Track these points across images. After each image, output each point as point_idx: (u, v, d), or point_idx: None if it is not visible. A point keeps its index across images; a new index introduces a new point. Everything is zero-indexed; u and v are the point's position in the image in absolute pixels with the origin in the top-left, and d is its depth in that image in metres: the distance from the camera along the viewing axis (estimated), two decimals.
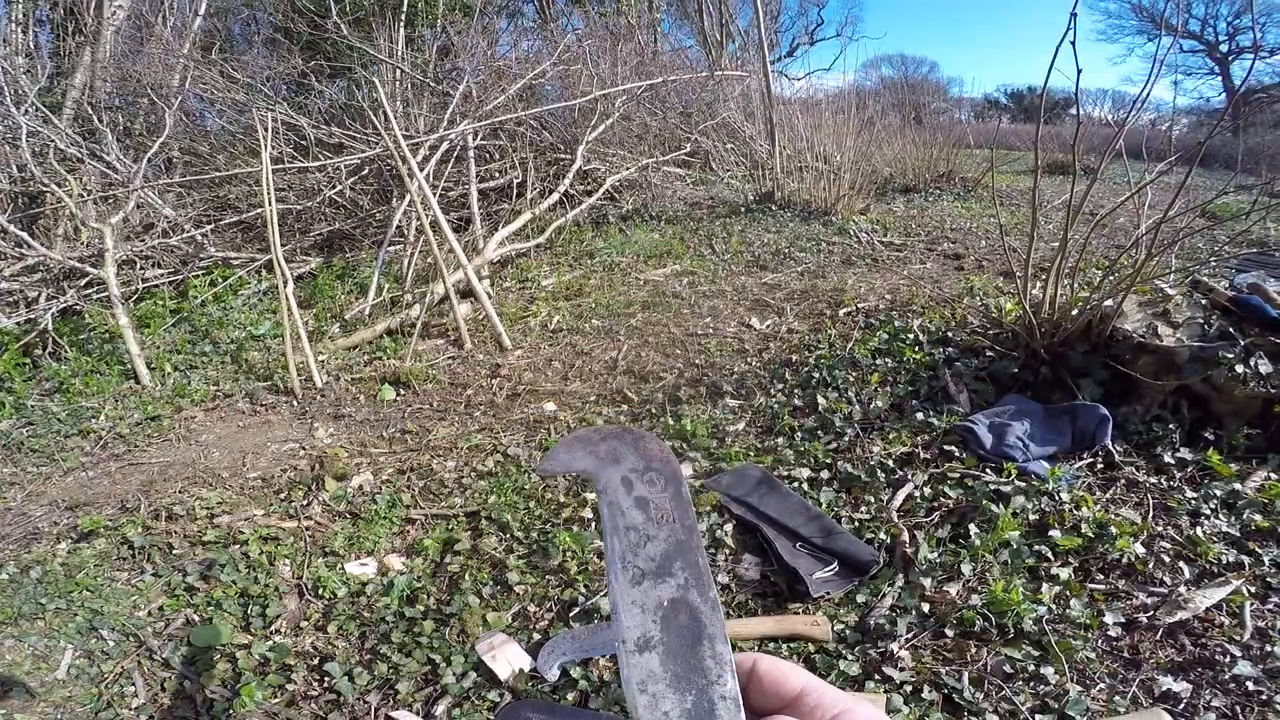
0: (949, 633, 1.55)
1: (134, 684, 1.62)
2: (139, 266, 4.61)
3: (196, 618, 1.79)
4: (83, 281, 4.21)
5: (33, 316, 3.87)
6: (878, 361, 2.76)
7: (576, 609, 1.71)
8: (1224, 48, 19.98)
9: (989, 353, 2.71)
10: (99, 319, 3.83)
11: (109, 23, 6.75)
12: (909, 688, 1.42)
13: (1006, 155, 9.18)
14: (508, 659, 1.57)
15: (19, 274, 4.25)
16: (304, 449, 2.61)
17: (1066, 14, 2.18)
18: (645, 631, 0.33)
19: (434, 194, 4.02)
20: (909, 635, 1.55)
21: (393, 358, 3.35)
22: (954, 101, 16.92)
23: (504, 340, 3.40)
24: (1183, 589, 1.62)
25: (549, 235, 4.90)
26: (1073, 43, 2.12)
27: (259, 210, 4.94)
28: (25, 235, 4.23)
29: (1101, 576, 1.69)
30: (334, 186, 5.24)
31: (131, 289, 4.28)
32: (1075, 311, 2.48)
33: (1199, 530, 1.80)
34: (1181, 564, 1.70)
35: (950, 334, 2.89)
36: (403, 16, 7.84)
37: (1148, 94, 2.52)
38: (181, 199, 5.45)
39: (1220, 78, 20.13)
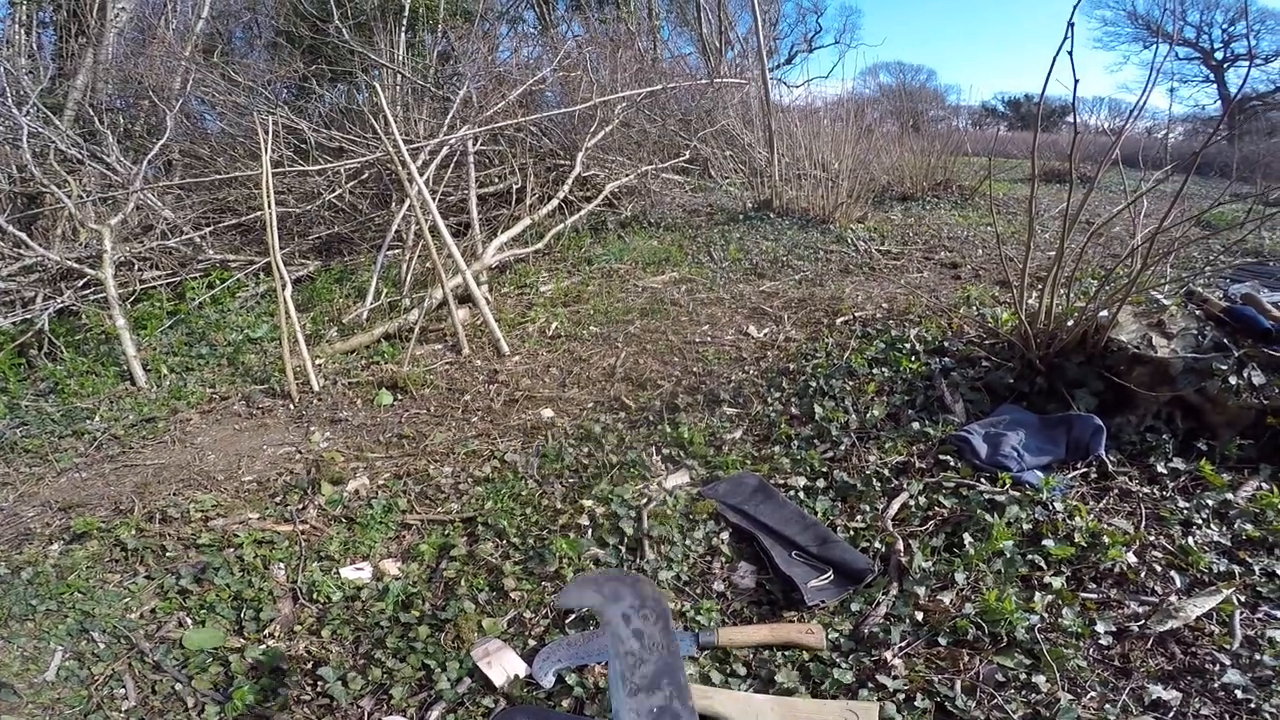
0: (942, 641, 1.55)
1: (124, 686, 1.61)
2: (137, 268, 4.61)
3: (189, 621, 1.79)
4: (80, 282, 4.21)
5: (29, 316, 3.86)
6: (874, 371, 2.77)
7: (572, 616, 1.71)
8: (1219, 55, 20.13)
9: (985, 363, 2.72)
10: (96, 320, 3.82)
11: (111, 25, 6.78)
12: (902, 696, 1.42)
13: (1003, 163, 9.22)
14: (503, 665, 1.56)
15: (16, 274, 4.24)
16: (300, 453, 2.61)
17: (1063, 22, 2.19)
18: None
19: (433, 199, 4.03)
20: (903, 643, 1.56)
21: (390, 362, 3.35)
22: (951, 109, 17.02)
23: (502, 346, 3.41)
24: (1174, 598, 1.63)
25: (548, 241, 4.91)
26: (1070, 53, 2.14)
27: (258, 213, 4.94)
28: (24, 236, 4.23)
29: (1094, 585, 1.70)
30: (333, 190, 5.25)
31: (129, 290, 4.28)
32: (1071, 322, 2.49)
33: (1191, 540, 1.81)
34: (1173, 573, 1.70)
35: (946, 344, 2.90)
36: (404, 22, 7.87)
37: (1145, 102, 2.54)
38: (181, 201, 5.45)
39: (1215, 85, 20.28)
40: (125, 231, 4.78)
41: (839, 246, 4.77)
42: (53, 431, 2.85)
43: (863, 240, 4.88)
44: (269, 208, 3.32)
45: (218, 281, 4.57)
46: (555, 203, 5.33)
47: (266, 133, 3.50)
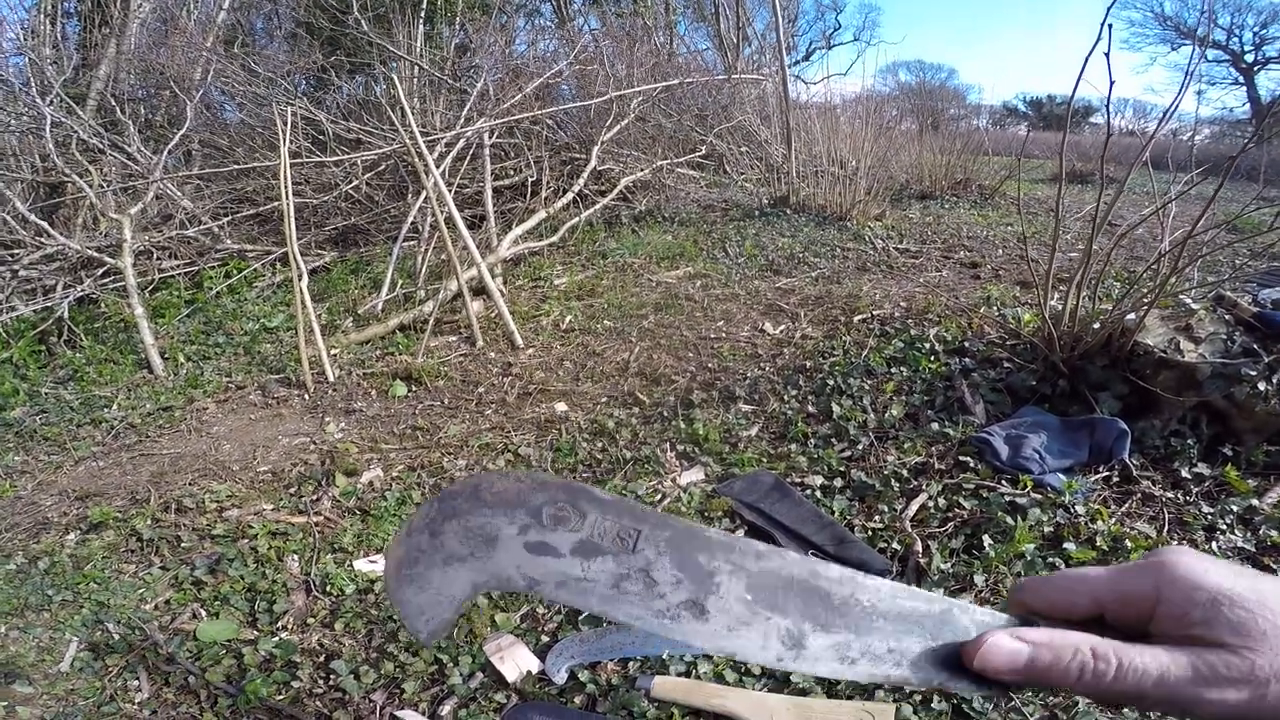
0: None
1: (138, 678, 1.62)
2: (156, 257, 4.65)
3: (204, 612, 1.80)
4: (100, 271, 4.25)
5: (50, 304, 3.91)
6: (893, 370, 2.74)
7: (585, 612, 1.70)
8: (1249, 58, 19.72)
9: (1006, 364, 2.67)
10: (115, 308, 3.86)
11: (135, 15, 6.82)
12: (918, 697, 1.40)
13: (1025, 163, 9.10)
14: (516, 661, 1.56)
15: (38, 262, 4.29)
16: (314, 443, 2.62)
17: (1087, 24, 2.15)
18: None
19: (449, 191, 4.03)
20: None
21: (405, 353, 3.36)
22: (972, 108, 16.82)
23: (516, 339, 3.40)
24: None
25: (562, 235, 4.90)
26: (1106, 54, 2.08)
27: (276, 203, 4.97)
28: (45, 225, 4.28)
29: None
30: (350, 181, 5.27)
31: (148, 279, 4.32)
32: (1096, 325, 2.44)
33: (1214, 545, 1.77)
34: None
35: (967, 344, 2.85)
36: (422, 13, 7.87)
37: (1177, 105, 2.48)
38: (200, 191, 5.49)
39: (1245, 88, 19.87)
40: (145, 221, 4.83)
41: (856, 244, 4.72)
42: (71, 419, 2.87)
43: (880, 238, 4.83)
44: (286, 198, 3.33)
45: (235, 271, 4.60)
46: (570, 196, 5.31)
47: (285, 123, 3.50)
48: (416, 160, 3.61)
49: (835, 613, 0.39)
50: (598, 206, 5.48)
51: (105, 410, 2.92)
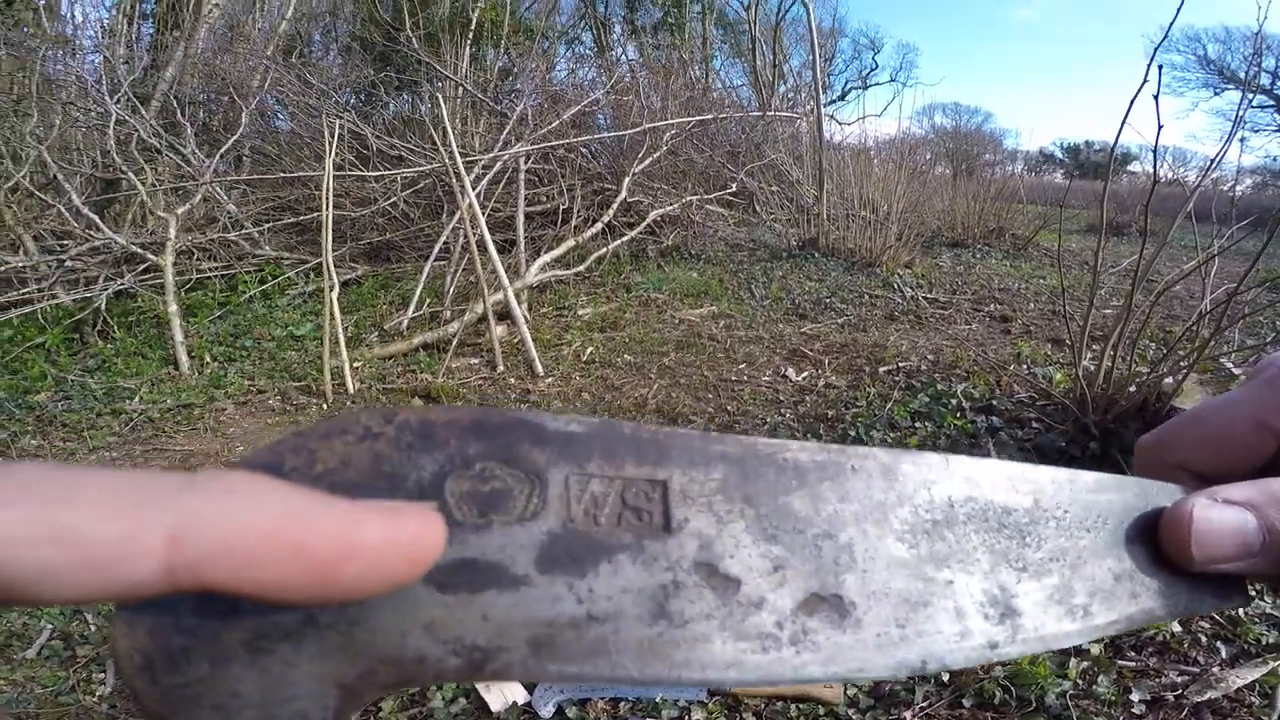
0: (966, 703, 1.48)
1: (104, 671, 1.60)
2: (195, 257, 4.77)
3: None
4: (141, 267, 4.36)
5: (89, 295, 4.01)
6: (917, 425, 2.67)
7: (616, 685, 1.65)
8: None
9: (1035, 424, 2.59)
10: (150, 304, 3.95)
11: (204, 19, 7.11)
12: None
13: (1058, 213, 8.98)
14: (502, 690, 1.51)
15: (85, 254, 4.43)
16: None
17: (1128, 70, 2.12)
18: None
19: (483, 213, 4.09)
20: (924, 703, 1.48)
21: (426, 372, 3.37)
22: (1008, 154, 16.73)
23: (536, 366, 3.39)
24: (1216, 669, 1.54)
25: (589, 264, 4.93)
26: (1155, 96, 2.04)
27: (316, 214, 5.08)
28: (96, 218, 4.42)
29: (1133, 654, 1.62)
30: (389, 197, 5.37)
31: (185, 278, 4.43)
32: (1133, 388, 2.36)
33: (1241, 611, 1.69)
34: (1219, 644, 1.62)
35: (995, 402, 2.78)
36: (470, 35, 8.10)
37: (1224, 152, 2.42)
38: (245, 196, 5.65)
39: None
40: (190, 222, 4.97)
41: (885, 291, 4.67)
42: (92, 408, 2.92)
43: (910, 286, 4.77)
44: (326, 209, 3.40)
45: (269, 277, 4.69)
46: (599, 226, 5.35)
47: (332, 135, 3.60)
48: (454, 180, 3.67)
49: (1029, 538, 0.24)
50: (626, 238, 5.51)
51: (127, 402, 2.96)
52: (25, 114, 4.78)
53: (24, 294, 3.83)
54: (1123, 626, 0.24)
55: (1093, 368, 2.50)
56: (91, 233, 4.36)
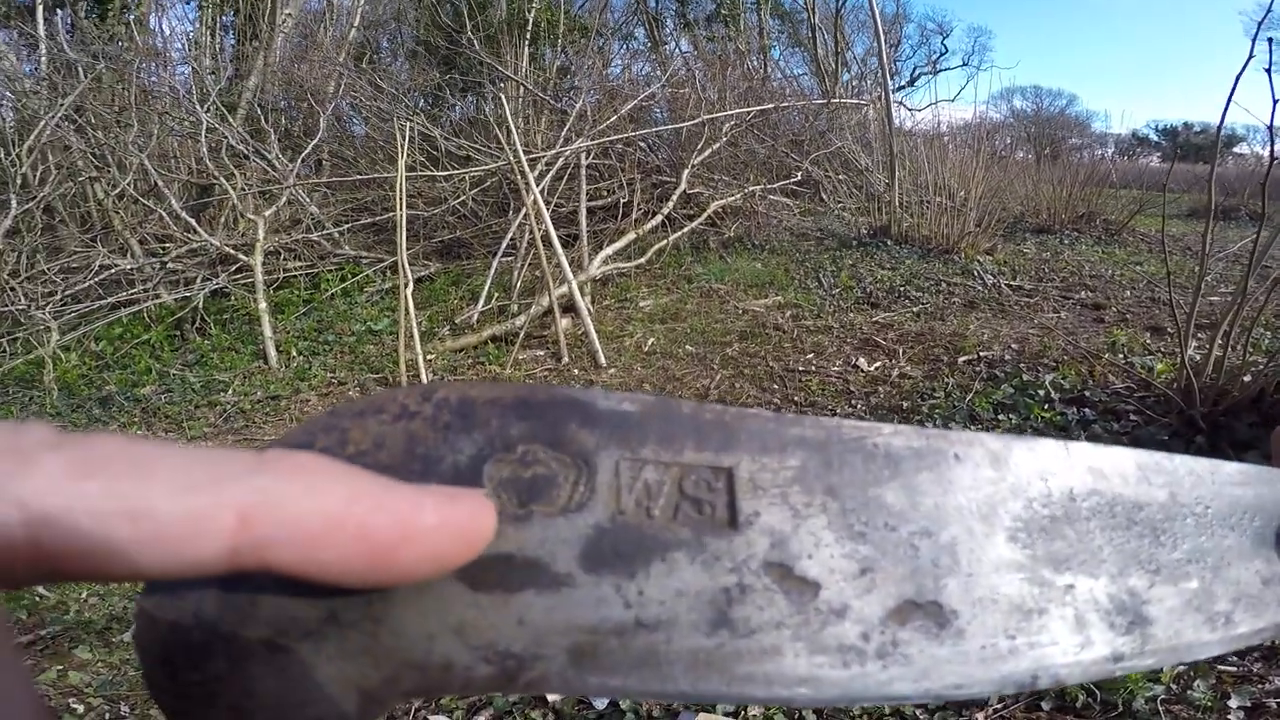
0: (1045, 706, 1.40)
1: None
2: (282, 257, 5.04)
3: None
4: (234, 267, 4.65)
5: (188, 294, 4.30)
6: (1000, 417, 2.53)
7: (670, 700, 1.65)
8: None
9: (1133, 416, 2.41)
10: (242, 302, 4.20)
11: (279, 29, 7.49)
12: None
13: (1156, 197, 8.36)
14: None
15: (184, 256, 4.76)
16: None
17: (1224, 49, 1.93)
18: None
19: (546, 209, 4.14)
20: (999, 705, 1.41)
21: (494, 364, 3.45)
22: (1096, 137, 15.68)
23: (599, 358, 3.41)
24: None
25: (649, 257, 4.92)
26: (1268, 69, 1.86)
27: (391, 214, 5.28)
28: (193, 222, 4.74)
29: (1236, 658, 1.48)
30: (458, 196, 5.52)
31: (273, 277, 4.68)
32: (1247, 378, 2.16)
33: None
34: None
35: (1087, 393, 2.61)
36: (528, 36, 8.22)
37: None
38: (326, 198, 5.93)
39: None
40: (276, 224, 5.25)
41: (963, 279, 4.46)
42: (191, 400, 3.13)
43: (990, 274, 4.54)
44: (400, 210, 3.52)
45: (350, 275, 4.91)
46: (659, 219, 5.33)
47: (404, 138, 3.72)
48: (519, 178, 3.73)
49: (1164, 536, 0.21)
50: (686, 230, 5.47)
51: (221, 394, 3.16)
52: (127, 124, 5.13)
53: (131, 294, 4.15)
54: (1270, 635, 0.21)
55: (1199, 357, 2.31)
56: (189, 235, 4.67)
